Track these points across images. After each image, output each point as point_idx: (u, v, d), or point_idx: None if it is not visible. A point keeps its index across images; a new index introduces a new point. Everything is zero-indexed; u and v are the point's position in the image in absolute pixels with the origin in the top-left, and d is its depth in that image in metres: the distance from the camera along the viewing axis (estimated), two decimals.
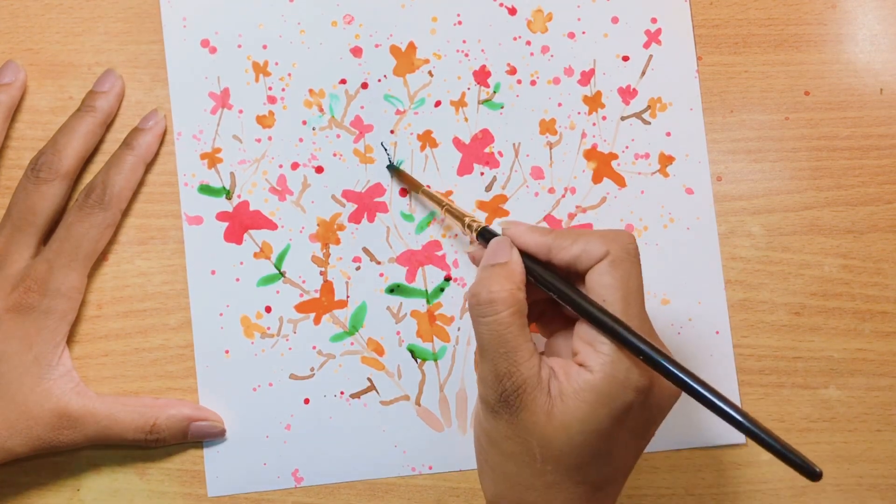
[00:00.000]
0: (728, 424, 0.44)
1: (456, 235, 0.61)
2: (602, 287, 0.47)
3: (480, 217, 0.61)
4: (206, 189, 0.60)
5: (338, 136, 0.61)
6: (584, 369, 0.46)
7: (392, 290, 0.61)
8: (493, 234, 0.53)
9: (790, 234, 0.61)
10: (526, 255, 0.50)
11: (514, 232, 0.51)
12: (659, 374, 0.45)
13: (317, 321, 0.60)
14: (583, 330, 0.47)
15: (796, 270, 0.61)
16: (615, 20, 0.62)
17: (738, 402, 0.60)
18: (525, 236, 0.50)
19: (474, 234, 0.54)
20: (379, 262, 0.61)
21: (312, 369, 0.60)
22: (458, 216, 0.56)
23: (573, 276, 0.49)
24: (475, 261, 0.53)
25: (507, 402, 0.47)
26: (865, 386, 0.61)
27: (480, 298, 0.48)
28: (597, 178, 0.62)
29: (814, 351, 0.61)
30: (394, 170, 0.61)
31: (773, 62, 0.62)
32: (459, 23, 0.62)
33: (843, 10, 0.63)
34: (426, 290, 0.61)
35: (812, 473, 0.42)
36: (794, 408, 0.60)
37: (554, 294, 0.49)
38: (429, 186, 0.60)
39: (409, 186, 0.61)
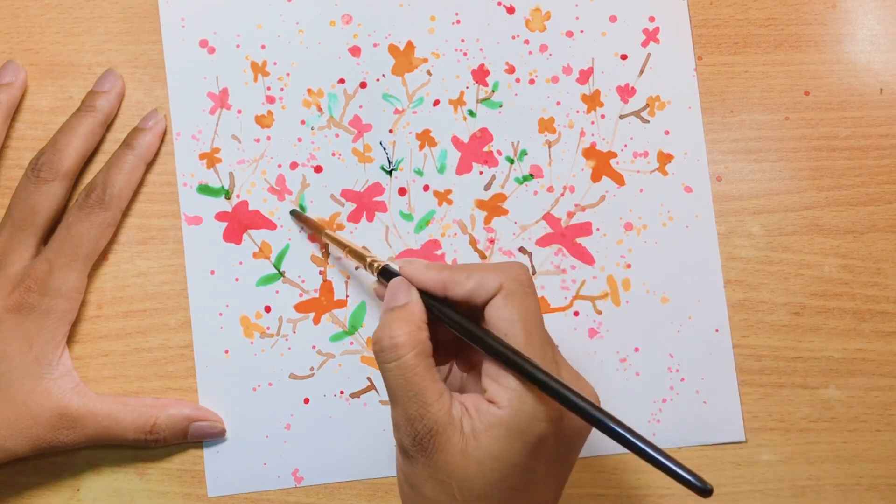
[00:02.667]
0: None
1: (455, 235, 0.61)
2: (501, 321, 0.47)
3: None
4: (205, 189, 0.60)
5: (336, 135, 0.61)
6: (493, 405, 0.46)
7: None
8: (395, 274, 0.52)
9: (790, 234, 0.61)
10: (425, 293, 0.50)
11: (409, 271, 0.50)
12: (562, 405, 0.45)
13: (316, 321, 0.60)
14: (488, 366, 0.47)
15: (796, 270, 0.61)
16: (613, 19, 0.62)
17: (738, 402, 0.60)
18: (421, 274, 0.50)
19: (376, 274, 0.54)
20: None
21: (312, 369, 0.60)
22: (360, 256, 0.56)
23: (474, 311, 0.49)
24: (380, 297, 0.53)
25: (421, 444, 0.46)
26: (865, 386, 0.60)
27: (383, 345, 0.47)
28: (596, 177, 0.61)
29: (814, 351, 0.60)
30: (295, 214, 0.61)
31: (773, 62, 0.62)
32: (458, 22, 0.62)
33: (843, 10, 0.63)
34: None
35: (703, 490, 0.41)
36: (794, 408, 0.60)
37: (456, 331, 0.49)
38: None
39: (312, 230, 0.60)
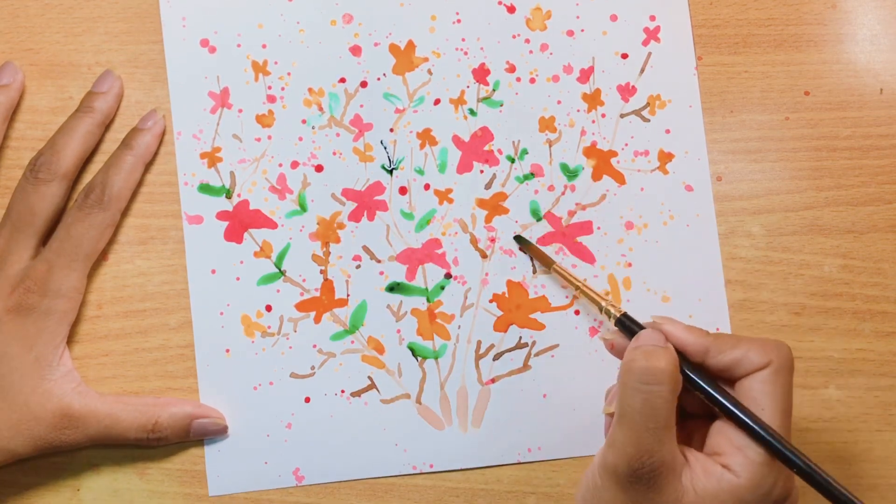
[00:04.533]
0: None
1: (456, 234, 0.61)
2: (763, 395, 0.47)
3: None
4: (205, 188, 0.60)
5: (337, 134, 0.61)
6: (727, 471, 0.46)
7: (392, 288, 0.61)
8: (635, 322, 0.52)
9: (790, 234, 0.61)
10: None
11: (669, 329, 0.50)
12: (812, 486, 0.46)
13: (317, 320, 0.60)
14: (730, 432, 0.47)
15: (796, 270, 0.61)
16: (614, 18, 0.62)
17: None
18: (682, 334, 0.50)
19: (613, 321, 0.54)
20: (379, 261, 0.61)
21: (313, 368, 0.60)
22: (594, 300, 0.56)
23: (723, 381, 0.49)
24: (613, 348, 0.52)
25: (640, 477, 0.46)
26: (865, 386, 0.60)
27: (648, 365, 0.47)
28: (596, 176, 0.61)
29: (814, 351, 0.60)
30: (520, 240, 0.61)
31: (773, 62, 0.62)
32: (458, 21, 0.62)
33: (843, 10, 0.63)
34: (426, 289, 0.61)
35: None
36: (794, 408, 0.60)
37: (704, 395, 0.49)
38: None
39: (540, 262, 0.61)
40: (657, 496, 0.46)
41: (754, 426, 0.47)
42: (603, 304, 0.55)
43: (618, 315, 0.53)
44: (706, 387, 0.49)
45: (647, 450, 0.46)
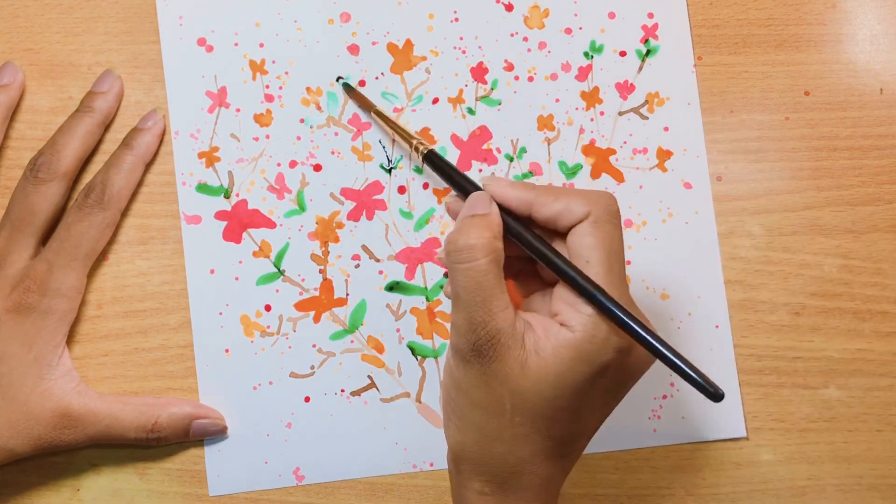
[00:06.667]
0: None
1: None
2: (584, 248, 0.47)
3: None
4: (204, 188, 0.60)
5: (336, 133, 0.61)
6: (565, 328, 0.47)
7: (391, 287, 0.61)
8: (445, 163, 0.54)
9: (790, 234, 0.61)
10: (505, 212, 0.50)
11: (494, 187, 0.50)
12: (635, 342, 0.46)
13: (316, 319, 0.60)
14: (563, 291, 0.48)
15: (796, 270, 0.61)
16: (612, 16, 0.62)
17: (739, 398, 0.60)
18: (506, 191, 0.50)
19: (421, 157, 0.55)
20: (378, 260, 0.61)
21: (313, 367, 0.60)
22: (406, 138, 0.57)
23: (552, 234, 0.49)
24: (452, 212, 0.53)
25: (479, 351, 0.47)
26: (865, 386, 0.60)
27: (458, 244, 0.48)
28: (595, 174, 0.61)
29: (814, 351, 0.60)
30: (346, 87, 0.61)
31: (773, 62, 0.62)
32: (456, 20, 0.61)
33: (843, 10, 0.62)
34: (426, 288, 0.61)
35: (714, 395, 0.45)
36: (794, 408, 0.60)
37: (534, 255, 0.49)
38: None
39: (362, 107, 0.61)
40: (501, 365, 0.47)
41: (578, 281, 0.47)
42: (413, 142, 0.56)
43: (425, 151, 0.55)
44: (530, 242, 0.49)
45: (479, 322, 0.47)
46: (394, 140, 0.61)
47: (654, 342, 0.46)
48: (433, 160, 0.55)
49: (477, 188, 0.51)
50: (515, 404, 0.47)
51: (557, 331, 0.47)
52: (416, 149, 0.56)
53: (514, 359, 0.47)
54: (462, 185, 0.52)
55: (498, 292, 0.47)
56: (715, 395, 0.45)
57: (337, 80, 0.61)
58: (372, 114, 0.60)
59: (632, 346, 0.47)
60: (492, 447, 0.48)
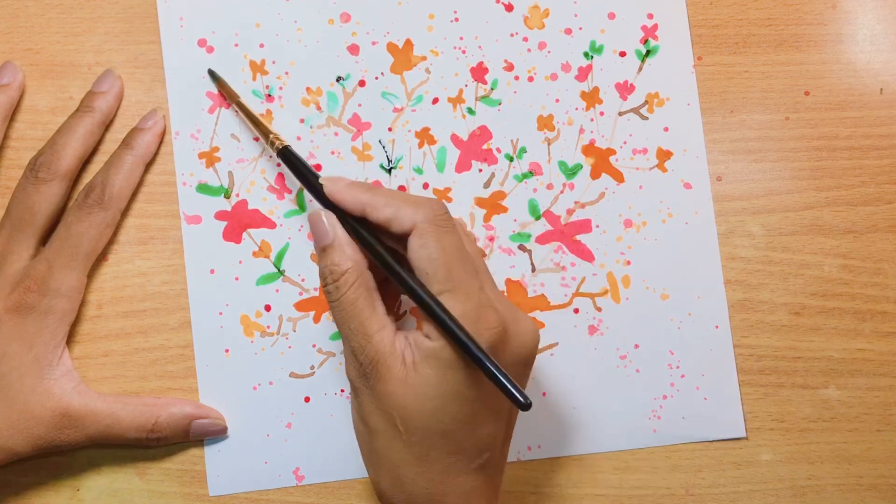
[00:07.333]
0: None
1: None
2: (421, 260, 0.48)
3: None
4: (204, 188, 0.60)
5: (336, 133, 0.61)
6: (427, 338, 0.47)
7: None
8: (297, 157, 0.54)
9: (790, 234, 0.61)
10: (357, 221, 0.50)
11: (330, 187, 0.51)
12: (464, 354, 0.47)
13: (316, 319, 0.60)
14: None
15: (796, 270, 0.61)
16: (612, 16, 0.62)
17: (738, 398, 0.60)
18: (343, 193, 0.51)
19: (276, 153, 0.55)
20: None
21: (313, 367, 0.60)
22: (264, 132, 0.57)
23: (403, 240, 0.50)
24: (310, 224, 0.53)
25: (365, 375, 0.48)
26: (865, 386, 0.60)
27: (327, 287, 0.49)
28: (595, 174, 0.61)
29: (814, 351, 0.60)
30: (212, 74, 0.61)
31: (773, 62, 0.62)
32: (456, 20, 0.61)
33: (843, 10, 0.62)
34: None
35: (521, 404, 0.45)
36: (794, 408, 0.60)
37: (381, 265, 0.50)
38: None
39: (225, 95, 0.61)
40: (385, 385, 0.48)
41: (418, 295, 0.48)
42: (270, 136, 0.56)
43: (280, 147, 0.55)
44: (376, 255, 0.50)
45: (359, 348, 0.48)
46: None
47: (474, 350, 0.46)
48: (288, 157, 0.55)
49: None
50: (406, 422, 0.48)
51: (422, 342, 0.48)
52: (272, 143, 0.56)
53: (396, 377, 0.47)
54: (314, 186, 0.52)
55: (368, 315, 0.48)
56: (523, 404, 0.45)
57: (209, 73, 0.61)
58: (234, 105, 0.60)
59: (499, 338, 0.48)
60: (404, 477, 0.49)
